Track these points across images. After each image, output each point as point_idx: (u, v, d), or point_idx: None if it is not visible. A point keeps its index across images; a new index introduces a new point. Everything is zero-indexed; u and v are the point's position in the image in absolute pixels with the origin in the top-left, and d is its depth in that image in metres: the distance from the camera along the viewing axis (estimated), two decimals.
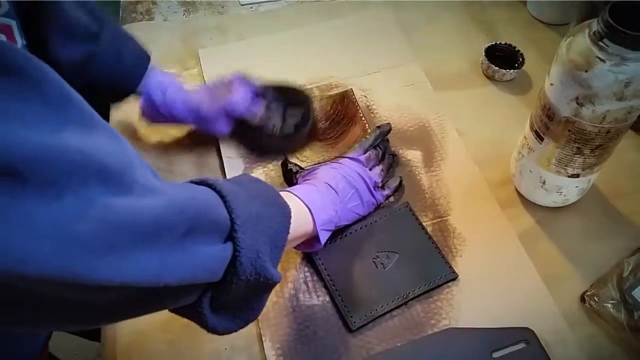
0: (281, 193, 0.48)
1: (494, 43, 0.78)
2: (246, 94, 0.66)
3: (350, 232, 0.60)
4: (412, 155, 0.68)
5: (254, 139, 0.68)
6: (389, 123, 0.67)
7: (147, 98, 0.65)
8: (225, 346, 0.54)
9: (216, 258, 0.36)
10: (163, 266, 0.32)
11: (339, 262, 0.58)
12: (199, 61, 0.80)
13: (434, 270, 0.58)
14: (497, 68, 0.76)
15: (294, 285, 0.58)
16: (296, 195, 0.52)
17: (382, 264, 0.58)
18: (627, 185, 0.66)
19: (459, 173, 0.66)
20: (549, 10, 0.84)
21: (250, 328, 0.55)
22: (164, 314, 0.56)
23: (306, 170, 0.63)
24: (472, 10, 0.87)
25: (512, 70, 0.76)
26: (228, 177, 0.66)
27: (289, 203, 0.46)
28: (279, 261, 0.43)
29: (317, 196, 0.54)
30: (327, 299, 0.57)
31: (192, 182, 0.41)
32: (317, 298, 0.57)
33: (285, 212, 0.44)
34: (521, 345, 0.52)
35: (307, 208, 0.51)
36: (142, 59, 0.64)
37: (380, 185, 0.63)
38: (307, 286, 0.58)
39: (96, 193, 0.28)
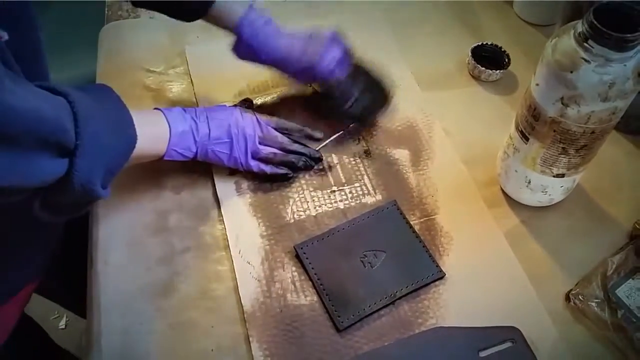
0: (151, 112, 0.57)
1: (480, 43, 0.79)
2: (337, 55, 0.65)
3: (338, 231, 0.60)
4: (400, 155, 0.69)
5: (324, 101, 0.69)
6: (320, 156, 0.67)
7: (243, 34, 0.63)
8: (212, 347, 0.54)
9: (49, 172, 0.41)
10: (3, 170, 0.37)
11: (327, 262, 0.58)
12: (186, 59, 0.80)
13: (422, 269, 0.58)
14: (483, 68, 0.76)
15: (281, 285, 0.57)
16: (165, 117, 0.57)
17: (369, 263, 0.58)
18: (611, 185, 0.66)
19: (446, 172, 0.67)
20: (535, 11, 0.85)
21: (238, 328, 0.55)
22: (150, 315, 0.56)
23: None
24: (458, 11, 0.88)
25: (498, 71, 0.76)
26: (216, 176, 0.66)
27: (151, 123, 0.55)
28: (111, 181, 0.48)
29: (186, 125, 0.58)
30: (315, 298, 0.56)
31: (54, 89, 0.43)
32: (305, 298, 0.57)
33: (130, 143, 0.49)
34: (507, 344, 0.52)
35: (168, 132, 0.57)
36: None
37: (260, 158, 0.63)
38: (295, 286, 0.57)
39: None
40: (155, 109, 0.59)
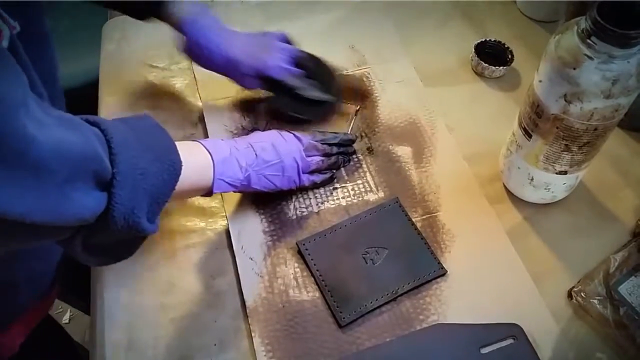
0: (189, 143, 0.50)
1: (483, 40, 0.78)
2: (283, 58, 0.66)
3: (340, 228, 0.61)
4: (402, 151, 0.68)
5: (278, 100, 0.69)
6: (355, 136, 0.68)
7: (191, 37, 0.64)
8: (214, 342, 0.54)
9: (89, 208, 0.37)
10: (35, 205, 0.33)
11: (329, 258, 0.58)
12: None
13: (423, 266, 0.58)
14: (486, 65, 0.76)
15: (283, 281, 0.57)
16: (203, 146, 0.53)
17: (371, 259, 0.58)
18: (614, 182, 0.66)
19: (448, 169, 0.67)
20: (539, 8, 0.85)
21: (240, 323, 0.55)
22: (152, 310, 0.56)
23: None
24: (462, 7, 0.88)
25: (501, 67, 0.76)
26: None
27: (193, 154, 0.49)
28: (158, 214, 0.44)
29: (227, 151, 0.54)
30: (317, 294, 0.57)
31: (87, 120, 0.40)
32: (307, 294, 0.57)
33: (174, 169, 0.44)
34: (509, 341, 0.52)
35: (211, 160, 0.52)
36: None
37: (311, 171, 0.62)
38: (297, 282, 0.58)
39: None
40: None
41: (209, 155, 0.53)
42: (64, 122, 0.36)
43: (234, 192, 0.57)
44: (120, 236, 0.41)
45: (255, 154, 0.56)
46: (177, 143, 0.47)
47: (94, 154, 0.37)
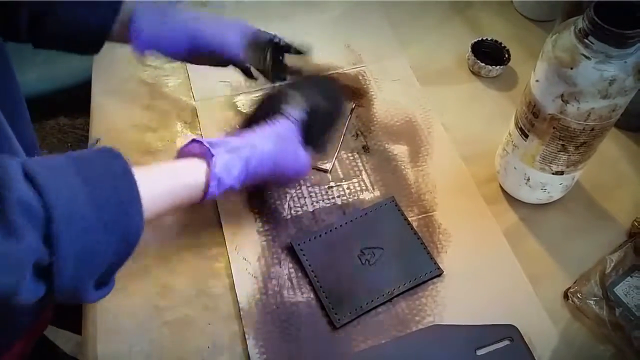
0: (190, 162, 0.46)
1: (480, 39, 0.78)
2: (240, 40, 0.62)
3: (336, 227, 0.60)
4: (399, 150, 0.68)
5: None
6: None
7: (141, 24, 0.57)
8: (208, 344, 0.53)
9: (26, 297, 0.34)
10: None
11: (324, 258, 0.58)
12: None
13: (419, 266, 0.58)
14: (483, 64, 0.76)
15: (278, 282, 0.57)
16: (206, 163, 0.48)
17: (367, 260, 0.58)
18: (610, 182, 0.66)
19: (445, 168, 0.66)
20: (535, 7, 0.84)
21: (234, 326, 0.54)
22: (146, 313, 0.55)
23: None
24: (459, 6, 0.87)
25: (498, 67, 0.76)
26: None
27: (188, 174, 0.46)
28: (112, 276, 0.40)
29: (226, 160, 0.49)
30: (312, 295, 0.56)
31: (27, 174, 0.34)
32: (302, 295, 0.56)
33: (129, 240, 0.38)
34: (505, 343, 0.52)
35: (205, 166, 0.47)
36: None
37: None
38: (292, 283, 0.57)
39: None
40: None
41: (205, 171, 0.48)
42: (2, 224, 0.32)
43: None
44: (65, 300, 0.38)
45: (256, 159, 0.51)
46: (178, 162, 0.46)
47: (32, 253, 0.33)
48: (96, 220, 0.35)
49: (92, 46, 0.59)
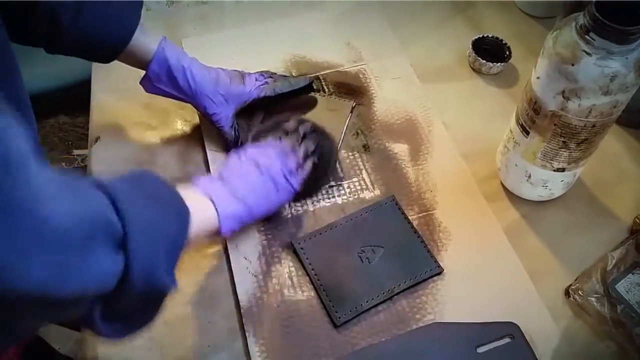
0: (183, 191, 0.46)
1: (481, 36, 0.78)
2: (257, 80, 0.66)
3: (336, 226, 0.60)
4: (399, 149, 0.68)
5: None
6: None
7: (159, 60, 0.61)
8: (208, 343, 0.53)
9: (108, 270, 0.35)
10: (55, 277, 0.31)
11: (324, 257, 0.58)
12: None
13: (420, 264, 0.57)
14: (484, 61, 0.75)
15: (278, 280, 0.57)
16: (202, 191, 0.50)
17: (367, 258, 0.58)
18: (612, 179, 0.66)
19: (445, 166, 0.66)
20: (536, 4, 0.84)
21: (234, 324, 0.54)
22: None
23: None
24: (459, 3, 0.87)
25: (499, 64, 0.75)
26: (212, 170, 0.65)
27: (191, 201, 0.45)
28: (175, 266, 0.42)
29: (223, 190, 0.51)
30: (312, 294, 0.56)
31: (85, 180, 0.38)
32: (302, 293, 0.56)
33: (183, 218, 0.43)
34: (506, 340, 0.52)
35: (212, 205, 0.49)
36: (133, 7, 0.60)
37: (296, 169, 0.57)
38: (292, 281, 0.57)
39: None
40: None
41: (209, 201, 0.49)
42: (68, 186, 0.34)
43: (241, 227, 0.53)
44: (142, 298, 0.39)
45: (244, 180, 0.53)
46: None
47: (104, 216, 0.35)
48: (150, 204, 0.40)
49: (106, 57, 0.61)
